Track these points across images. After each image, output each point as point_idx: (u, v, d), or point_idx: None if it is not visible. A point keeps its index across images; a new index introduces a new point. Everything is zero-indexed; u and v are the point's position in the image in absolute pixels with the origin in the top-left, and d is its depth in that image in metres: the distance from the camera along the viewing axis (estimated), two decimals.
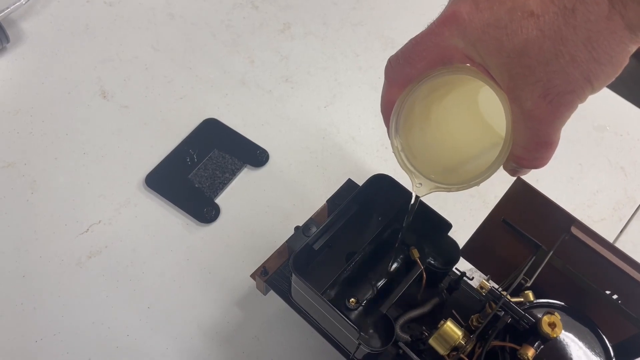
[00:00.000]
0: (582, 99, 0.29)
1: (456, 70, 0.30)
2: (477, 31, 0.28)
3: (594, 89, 0.28)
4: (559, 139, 0.31)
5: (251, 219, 0.56)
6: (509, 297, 0.34)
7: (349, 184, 0.44)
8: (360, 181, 0.51)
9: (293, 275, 0.39)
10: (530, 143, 0.30)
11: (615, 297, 0.37)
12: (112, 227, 0.53)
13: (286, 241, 0.42)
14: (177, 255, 0.53)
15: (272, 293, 0.47)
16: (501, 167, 0.32)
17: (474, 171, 0.32)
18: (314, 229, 0.41)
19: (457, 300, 0.42)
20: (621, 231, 0.59)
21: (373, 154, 0.61)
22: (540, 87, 0.28)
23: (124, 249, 0.52)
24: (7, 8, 0.63)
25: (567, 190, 0.61)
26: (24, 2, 0.64)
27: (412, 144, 0.34)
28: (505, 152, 0.30)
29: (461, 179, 0.32)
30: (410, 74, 0.32)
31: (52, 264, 0.51)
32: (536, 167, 0.32)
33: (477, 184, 0.32)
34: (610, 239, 0.59)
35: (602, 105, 0.67)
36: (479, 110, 0.35)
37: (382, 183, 0.43)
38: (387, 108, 0.34)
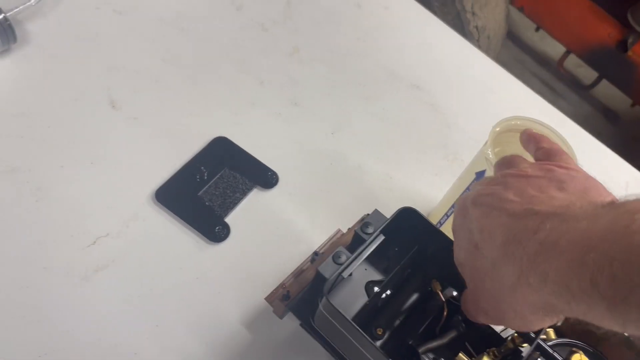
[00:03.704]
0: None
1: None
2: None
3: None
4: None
5: (260, 240, 0.56)
6: (542, 336, 0.36)
7: (376, 214, 0.45)
8: (365, 209, 0.53)
9: (323, 301, 0.40)
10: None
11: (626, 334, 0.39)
12: (120, 241, 0.52)
13: (317, 267, 0.43)
14: (186, 273, 0.52)
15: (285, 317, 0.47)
16: None
17: None
18: (344, 257, 0.42)
19: (475, 332, 0.44)
20: None
21: (379, 183, 0.63)
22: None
23: (132, 265, 0.51)
24: (17, 8, 0.61)
25: None
26: (33, 3, 0.62)
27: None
28: None
29: None
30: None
31: (57, 276, 0.49)
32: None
33: None
34: None
35: (587, 151, 0.71)
36: None
37: (409, 216, 0.44)
38: None
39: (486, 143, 0.48)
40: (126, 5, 0.68)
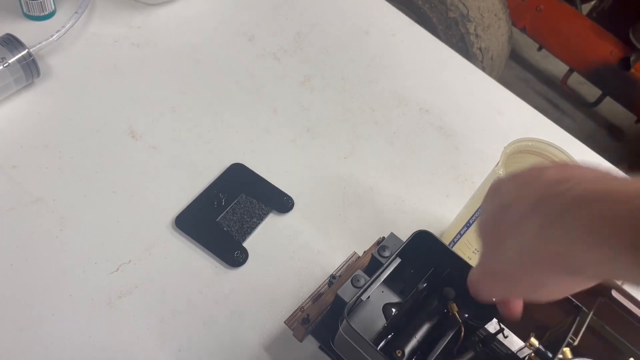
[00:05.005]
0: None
1: None
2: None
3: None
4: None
5: (278, 264, 0.57)
6: (559, 355, 0.37)
7: (392, 237, 0.47)
8: (378, 232, 0.54)
9: (343, 324, 0.41)
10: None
11: None
12: (143, 267, 0.54)
13: (333, 293, 0.44)
14: (206, 297, 0.53)
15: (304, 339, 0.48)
16: None
17: None
18: (362, 281, 0.43)
19: (490, 353, 0.45)
20: None
21: (391, 205, 0.64)
22: None
23: (154, 290, 0.53)
24: (39, 43, 0.63)
25: None
26: (55, 39, 0.65)
27: None
28: None
29: None
30: None
31: (82, 303, 0.51)
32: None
33: None
34: None
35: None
36: None
37: (424, 239, 0.46)
38: None
39: (498, 163, 0.50)
40: (143, 39, 0.71)
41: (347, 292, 0.42)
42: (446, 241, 0.60)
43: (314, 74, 0.74)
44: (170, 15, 0.74)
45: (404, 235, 0.47)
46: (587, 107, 1.98)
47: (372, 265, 0.46)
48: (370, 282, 0.42)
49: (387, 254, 0.45)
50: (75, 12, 0.67)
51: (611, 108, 1.95)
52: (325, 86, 0.73)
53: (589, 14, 1.75)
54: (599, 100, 1.86)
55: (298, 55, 0.75)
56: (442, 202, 0.66)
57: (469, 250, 0.56)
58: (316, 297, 0.50)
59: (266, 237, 0.58)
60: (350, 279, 0.43)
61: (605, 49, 1.66)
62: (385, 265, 0.44)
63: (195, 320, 0.52)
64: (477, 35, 1.45)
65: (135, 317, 0.51)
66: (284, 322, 0.50)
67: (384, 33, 0.82)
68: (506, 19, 1.55)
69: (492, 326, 0.46)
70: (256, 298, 0.54)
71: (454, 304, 0.45)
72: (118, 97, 0.65)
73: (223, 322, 0.52)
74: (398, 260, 0.45)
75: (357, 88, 0.74)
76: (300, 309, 0.50)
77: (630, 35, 1.58)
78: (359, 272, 0.44)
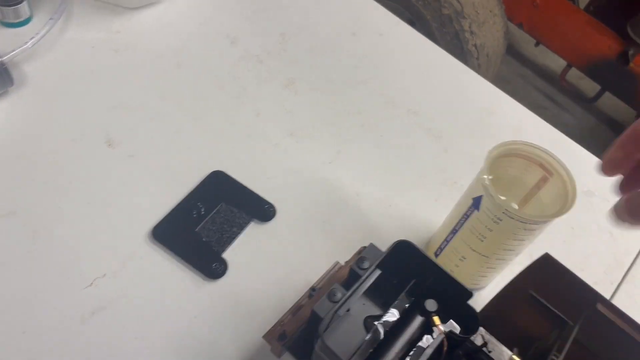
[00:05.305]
0: None
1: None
2: None
3: None
4: None
5: (259, 276, 0.55)
6: None
7: (371, 248, 0.45)
8: (364, 239, 0.52)
9: (319, 342, 0.39)
10: None
11: None
12: (118, 281, 0.52)
13: (312, 306, 0.42)
14: (184, 312, 0.52)
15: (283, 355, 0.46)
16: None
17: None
18: (339, 295, 0.41)
19: None
20: (613, 294, 0.62)
21: (377, 210, 0.62)
22: None
23: (130, 305, 0.51)
24: (13, 51, 0.62)
25: (561, 254, 0.63)
26: (30, 46, 0.63)
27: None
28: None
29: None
30: None
31: (54, 319, 0.49)
32: None
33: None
34: None
35: (590, 172, 0.70)
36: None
37: (404, 249, 0.44)
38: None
39: (483, 168, 0.48)
40: (122, 44, 0.69)
41: (322, 308, 0.40)
42: (434, 247, 0.58)
43: (299, 77, 0.72)
44: (150, 19, 0.73)
45: (392, 242, 0.45)
46: (586, 102, 1.96)
47: (351, 278, 0.44)
48: (347, 296, 0.41)
49: (366, 265, 0.43)
50: (51, 19, 0.65)
51: (611, 103, 1.92)
52: (311, 89, 0.71)
53: (586, 8, 1.73)
54: (599, 95, 1.84)
55: (282, 57, 0.73)
56: (430, 207, 0.64)
57: (456, 258, 0.54)
58: (296, 310, 0.48)
59: (246, 248, 0.57)
60: (326, 294, 0.41)
61: (603, 43, 1.63)
62: (363, 278, 0.42)
63: (172, 335, 0.50)
64: (472, 32, 1.43)
65: (109, 333, 0.49)
66: (262, 337, 0.48)
67: (371, 33, 0.80)
68: (501, 15, 1.52)
69: (478, 338, 0.44)
70: (235, 311, 0.53)
71: (437, 316, 0.43)
72: (96, 105, 0.63)
73: (201, 337, 0.51)
74: (378, 272, 0.43)
75: (343, 90, 0.72)
76: (280, 323, 0.48)
77: (629, 29, 1.56)
78: (336, 285, 0.42)
